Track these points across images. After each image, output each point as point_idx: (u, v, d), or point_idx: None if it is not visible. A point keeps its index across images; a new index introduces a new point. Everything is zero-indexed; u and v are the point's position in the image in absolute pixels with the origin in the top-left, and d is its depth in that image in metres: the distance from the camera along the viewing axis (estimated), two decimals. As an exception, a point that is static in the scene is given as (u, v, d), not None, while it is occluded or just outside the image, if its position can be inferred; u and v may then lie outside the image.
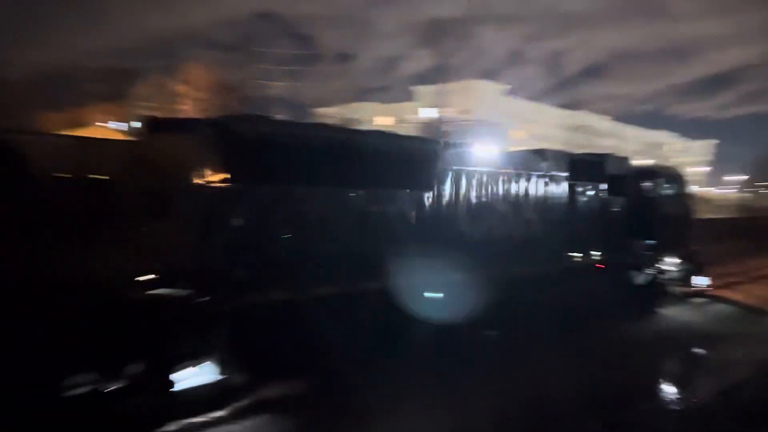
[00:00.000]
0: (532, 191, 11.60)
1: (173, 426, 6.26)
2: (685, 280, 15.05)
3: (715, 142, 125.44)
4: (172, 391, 6.56)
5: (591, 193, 13.10)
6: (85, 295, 6.26)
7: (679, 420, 7.64)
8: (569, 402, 7.50)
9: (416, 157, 9.46)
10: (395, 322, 8.63)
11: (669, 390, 8.85)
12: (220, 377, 6.87)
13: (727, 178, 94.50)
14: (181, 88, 38.41)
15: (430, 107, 53.37)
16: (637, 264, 14.28)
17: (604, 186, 13.30)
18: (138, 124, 8.39)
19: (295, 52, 56.12)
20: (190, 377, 6.70)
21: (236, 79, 41.91)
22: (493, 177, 10.74)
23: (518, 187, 11.31)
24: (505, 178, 11.02)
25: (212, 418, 6.53)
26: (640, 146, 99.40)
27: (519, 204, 11.29)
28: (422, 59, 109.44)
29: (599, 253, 13.03)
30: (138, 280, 6.60)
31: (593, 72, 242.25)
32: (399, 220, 9.02)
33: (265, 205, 7.50)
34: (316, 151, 7.94)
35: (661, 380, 9.10)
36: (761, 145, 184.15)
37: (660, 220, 14.42)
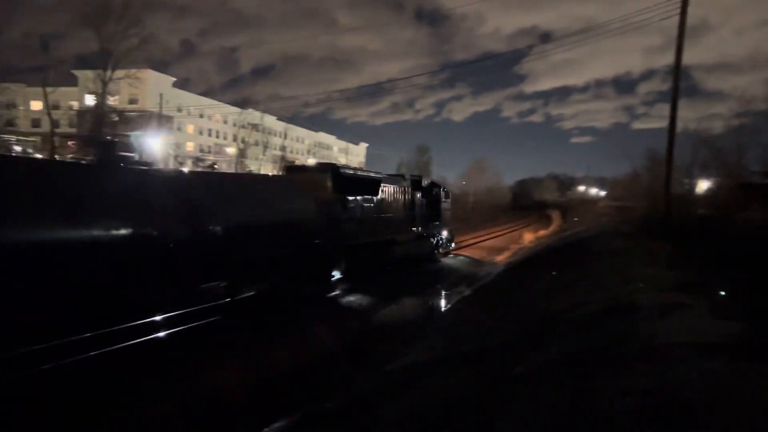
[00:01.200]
0: (399, 196, 22.74)
1: (331, 293, 16.28)
2: (447, 245, 29.53)
3: (366, 145, 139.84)
4: (330, 280, 17.13)
5: (418, 197, 24.88)
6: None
7: (449, 300, 17.48)
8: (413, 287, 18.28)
9: (375, 180, 20.93)
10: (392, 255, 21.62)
11: (443, 288, 19.31)
12: (341, 275, 17.65)
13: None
14: None
15: (93, 94, 47.54)
16: (432, 235, 27.00)
17: (421, 192, 25.42)
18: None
19: None
20: (334, 274, 17.46)
21: None
22: (390, 189, 21.87)
23: (395, 194, 22.37)
24: (392, 189, 22.07)
25: (340, 290, 16.71)
26: (309, 146, 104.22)
27: (396, 202, 22.44)
28: (85, 41, 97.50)
29: (421, 228, 25.24)
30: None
31: (265, 72, 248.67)
32: (376, 207, 20.25)
33: (350, 205, 18.16)
34: (364, 182, 19.78)
35: (441, 285, 19.98)
36: (401, 148, 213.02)
37: (439, 210, 27.60)
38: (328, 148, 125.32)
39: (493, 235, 45.01)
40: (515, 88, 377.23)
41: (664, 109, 21.31)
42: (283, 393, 8.47)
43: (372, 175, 21.56)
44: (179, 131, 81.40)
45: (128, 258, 9.80)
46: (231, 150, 77.83)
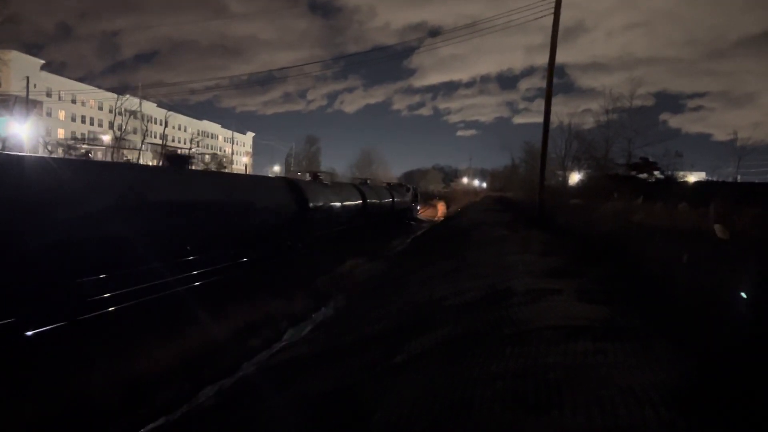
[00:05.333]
0: (410, 191, 59.59)
1: (405, 222, 52.03)
2: (417, 213, 62.59)
3: (253, 134, 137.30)
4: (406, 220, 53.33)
5: (412, 192, 60.77)
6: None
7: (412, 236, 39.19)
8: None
9: (408, 187, 63.78)
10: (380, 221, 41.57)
11: (414, 232, 42.91)
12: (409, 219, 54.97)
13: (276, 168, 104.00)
14: None
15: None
16: (415, 207, 60.96)
17: (413, 190, 63.63)
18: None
19: None
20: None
21: None
22: (410, 189, 61.91)
23: (409, 191, 59.80)
24: (411, 189, 62.19)
25: (407, 222, 53.25)
26: (192, 135, 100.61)
27: (409, 194, 58.62)
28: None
29: (413, 204, 59.68)
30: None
31: (148, 58, 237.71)
32: (406, 196, 56.69)
33: (414, 194, 63.77)
34: (408, 188, 62.43)
35: (413, 230, 46.13)
36: (292, 138, 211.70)
37: (417, 198, 64.63)
38: (213, 137, 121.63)
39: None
40: (405, 81, 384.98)
41: (543, 104, 22.34)
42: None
43: (407, 185, 62.21)
44: (49, 117, 75.90)
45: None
46: (107, 138, 73.47)
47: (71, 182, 11.05)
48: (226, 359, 10.45)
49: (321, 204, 25.55)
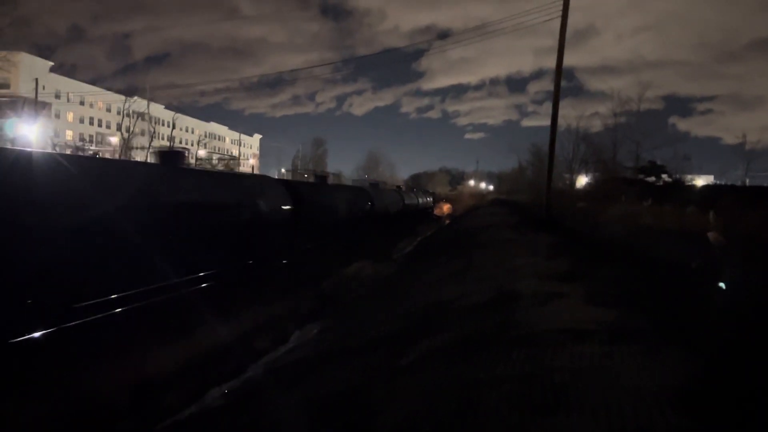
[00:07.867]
0: (429, 195, 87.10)
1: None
2: (433, 211, 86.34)
3: (260, 136, 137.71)
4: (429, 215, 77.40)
5: (431, 196, 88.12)
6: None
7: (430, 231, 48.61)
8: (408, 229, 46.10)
9: (430, 192, 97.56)
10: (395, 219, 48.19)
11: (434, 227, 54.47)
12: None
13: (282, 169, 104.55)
14: None
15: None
16: (432, 206, 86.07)
17: (433, 194, 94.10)
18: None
19: None
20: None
21: None
22: (431, 194, 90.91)
23: (429, 195, 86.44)
24: (431, 194, 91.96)
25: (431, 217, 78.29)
26: (200, 137, 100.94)
27: (430, 197, 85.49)
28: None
29: (432, 204, 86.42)
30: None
31: (160, 60, 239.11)
32: (428, 198, 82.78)
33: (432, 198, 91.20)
34: (430, 192, 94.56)
35: (433, 226, 59.74)
36: (298, 141, 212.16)
37: (434, 200, 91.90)
38: (220, 139, 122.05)
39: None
40: (414, 84, 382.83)
41: (551, 107, 22.27)
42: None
43: (430, 191, 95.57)
44: (58, 119, 76.29)
45: None
46: (114, 139, 73.80)
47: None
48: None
49: (409, 202, 50.90)
